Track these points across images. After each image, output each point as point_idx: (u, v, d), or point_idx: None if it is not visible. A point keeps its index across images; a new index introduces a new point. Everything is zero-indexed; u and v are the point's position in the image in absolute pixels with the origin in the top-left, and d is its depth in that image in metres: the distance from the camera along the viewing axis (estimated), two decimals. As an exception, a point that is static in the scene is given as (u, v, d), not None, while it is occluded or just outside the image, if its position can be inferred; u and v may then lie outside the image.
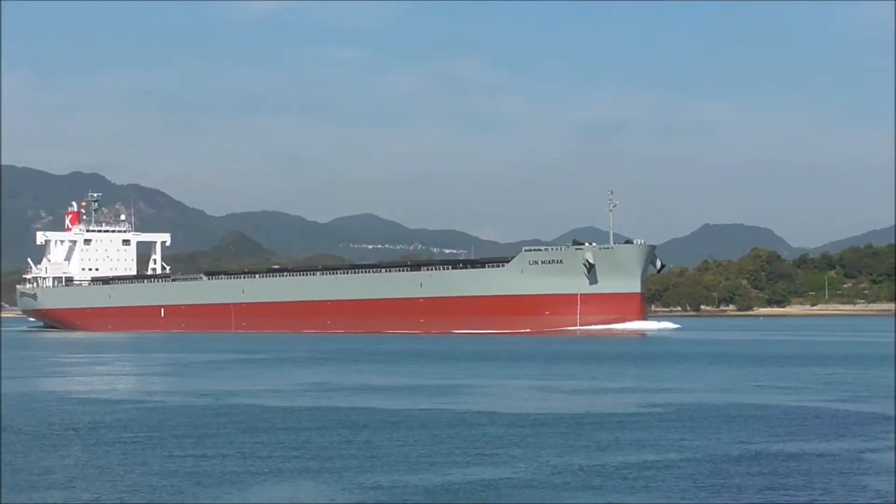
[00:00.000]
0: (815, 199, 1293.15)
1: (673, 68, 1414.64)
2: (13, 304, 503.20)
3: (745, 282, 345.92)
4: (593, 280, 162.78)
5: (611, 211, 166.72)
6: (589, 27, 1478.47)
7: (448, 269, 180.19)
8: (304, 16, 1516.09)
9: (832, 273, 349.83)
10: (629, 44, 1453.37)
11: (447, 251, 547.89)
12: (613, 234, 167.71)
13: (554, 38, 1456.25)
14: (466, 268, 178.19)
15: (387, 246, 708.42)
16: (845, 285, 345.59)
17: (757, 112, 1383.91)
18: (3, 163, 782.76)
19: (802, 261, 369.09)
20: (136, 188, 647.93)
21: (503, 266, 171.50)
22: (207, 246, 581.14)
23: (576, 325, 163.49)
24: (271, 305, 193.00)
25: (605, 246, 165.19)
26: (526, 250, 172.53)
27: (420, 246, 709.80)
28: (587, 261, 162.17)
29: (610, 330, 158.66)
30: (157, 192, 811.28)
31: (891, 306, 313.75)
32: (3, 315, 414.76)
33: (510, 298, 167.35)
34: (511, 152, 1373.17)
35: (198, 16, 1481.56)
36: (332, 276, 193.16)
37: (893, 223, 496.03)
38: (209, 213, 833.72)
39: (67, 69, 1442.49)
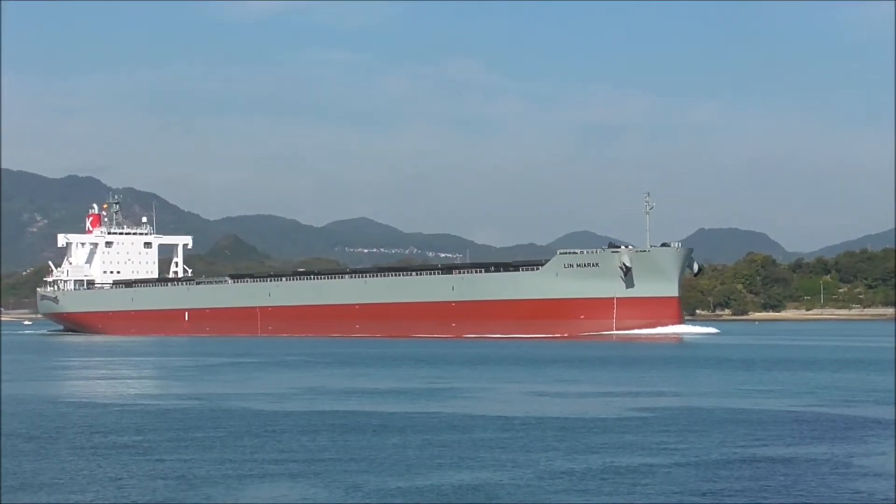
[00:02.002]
0: (811, 203, 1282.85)
1: (668, 71, 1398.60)
2: (9, 307, 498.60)
3: (740, 286, 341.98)
4: (630, 283, 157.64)
5: (647, 213, 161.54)
6: (584, 29, 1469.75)
7: (481, 272, 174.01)
8: (298, 17, 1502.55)
9: (827, 278, 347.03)
10: (624, 46, 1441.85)
11: (442, 255, 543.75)
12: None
13: (549, 40, 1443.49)
14: (500, 271, 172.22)
15: (382, 250, 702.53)
16: (840, 290, 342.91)
17: (753, 115, 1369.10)
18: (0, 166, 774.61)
19: (798, 265, 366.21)
20: (131, 192, 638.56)
21: (538, 269, 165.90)
22: (203, 249, 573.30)
23: (612, 330, 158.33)
24: (298, 309, 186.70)
25: (642, 249, 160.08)
26: (561, 253, 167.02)
27: (415, 250, 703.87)
28: (623, 264, 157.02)
29: (647, 335, 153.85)
30: (153, 195, 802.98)
31: (886, 311, 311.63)
32: (1, 318, 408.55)
33: (545, 302, 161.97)
34: (506, 155, 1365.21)
35: (191, 18, 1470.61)
36: (360, 279, 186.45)
37: (890, 227, 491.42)
38: (204, 216, 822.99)
39: (62, 71, 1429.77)
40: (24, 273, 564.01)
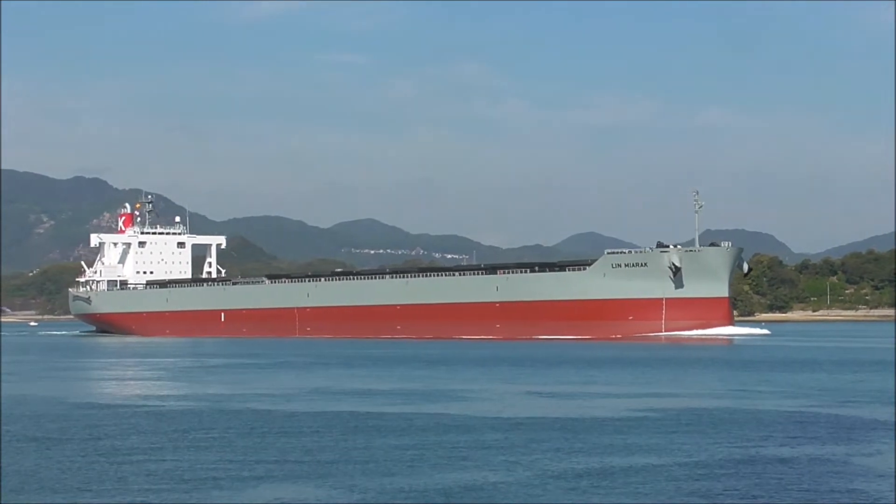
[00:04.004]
0: (817, 204, 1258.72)
1: (675, 73, 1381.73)
2: (15, 308, 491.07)
3: (746, 287, 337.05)
4: (679, 284, 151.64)
5: (696, 212, 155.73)
6: (590, 32, 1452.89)
7: (525, 272, 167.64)
8: (304, 20, 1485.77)
9: (834, 279, 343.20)
10: (631, 49, 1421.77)
11: (449, 256, 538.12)
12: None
13: (555, 43, 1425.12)
14: (545, 271, 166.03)
15: (388, 251, 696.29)
16: (847, 291, 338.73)
17: (759, 117, 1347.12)
18: (3, 167, 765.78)
19: (804, 266, 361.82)
20: (137, 193, 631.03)
21: (584, 269, 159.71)
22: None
23: (661, 331, 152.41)
24: (338, 310, 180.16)
25: (691, 248, 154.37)
26: (609, 253, 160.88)
27: (422, 251, 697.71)
28: (673, 264, 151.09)
29: (697, 336, 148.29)
30: (159, 196, 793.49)
31: (892, 312, 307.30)
32: (3, 319, 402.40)
33: (592, 303, 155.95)
34: (512, 157, 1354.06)
35: (198, 20, 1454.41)
36: (402, 279, 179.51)
37: (895, 229, 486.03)
38: (210, 217, 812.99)
39: (69, 74, 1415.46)
40: (31, 274, 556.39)
